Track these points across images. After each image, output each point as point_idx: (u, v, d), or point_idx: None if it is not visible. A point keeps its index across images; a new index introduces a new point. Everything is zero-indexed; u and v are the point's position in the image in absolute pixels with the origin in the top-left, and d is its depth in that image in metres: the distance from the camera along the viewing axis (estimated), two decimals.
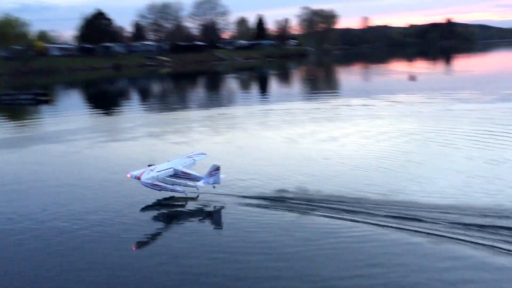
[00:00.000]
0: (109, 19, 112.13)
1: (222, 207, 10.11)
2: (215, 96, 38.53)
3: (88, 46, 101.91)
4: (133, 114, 27.61)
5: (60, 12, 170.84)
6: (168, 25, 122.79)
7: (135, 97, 42.13)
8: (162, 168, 10.43)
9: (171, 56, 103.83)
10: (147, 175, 10.12)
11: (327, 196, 10.14)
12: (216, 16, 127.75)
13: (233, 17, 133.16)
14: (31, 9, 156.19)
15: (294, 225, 8.94)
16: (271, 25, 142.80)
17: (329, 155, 14.10)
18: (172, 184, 10.36)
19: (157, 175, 10.16)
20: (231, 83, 52.04)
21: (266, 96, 35.40)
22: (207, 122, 22.48)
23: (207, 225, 9.62)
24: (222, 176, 10.19)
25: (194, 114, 26.64)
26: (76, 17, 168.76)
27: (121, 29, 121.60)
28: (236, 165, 13.25)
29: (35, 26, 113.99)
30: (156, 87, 53.03)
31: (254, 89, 45.12)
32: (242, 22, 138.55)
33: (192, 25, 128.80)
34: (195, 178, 10.21)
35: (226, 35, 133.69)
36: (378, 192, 10.26)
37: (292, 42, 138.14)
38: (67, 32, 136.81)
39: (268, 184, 11.25)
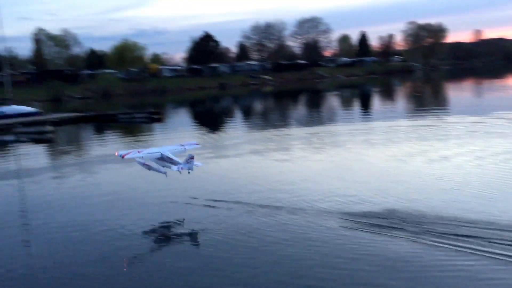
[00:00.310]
0: (216, 41, 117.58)
1: (325, 227, 9.89)
2: (316, 113, 38.40)
3: (196, 67, 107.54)
4: (236, 131, 28.42)
5: (172, 36, 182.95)
6: (271, 44, 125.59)
7: (238, 114, 43.41)
8: (151, 151, 11.99)
9: (273, 74, 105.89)
10: (132, 155, 11.74)
11: (445, 220, 9.49)
12: (318, 34, 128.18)
13: (335, 34, 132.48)
14: (147, 34, 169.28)
15: (404, 257, 8.44)
16: (374, 42, 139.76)
17: (442, 175, 13.27)
18: (158, 165, 11.75)
19: (142, 156, 11.70)
20: (333, 101, 51.60)
21: (369, 114, 34.53)
22: (309, 140, 22.41)
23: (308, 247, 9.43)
24: (196, 163, 11.43)
25: (296, 132, 26.72)
26: (186, 40, 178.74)
27: (226, 50, 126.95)
28: (340, 183, 12.98)
29: (150, 50, 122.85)
30: (258, 105, 54.28)
31: (357, 106, 44.26)
32: (344, 39, 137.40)
33: (294, 44, 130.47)
34: (176, 163, 11.46)
35: (327, 52, 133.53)
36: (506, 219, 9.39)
37: (397, 58, 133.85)
38: (177, 54, 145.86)
39: (374, 205, 10.83)
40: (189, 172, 11.43)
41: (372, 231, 9.32)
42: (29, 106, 36.66)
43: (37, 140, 27.62)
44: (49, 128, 29.08)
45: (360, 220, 9.93)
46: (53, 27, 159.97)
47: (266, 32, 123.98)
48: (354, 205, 11.02)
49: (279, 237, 9.38)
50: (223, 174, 15.56)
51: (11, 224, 11.58)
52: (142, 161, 11.77)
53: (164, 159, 11.58)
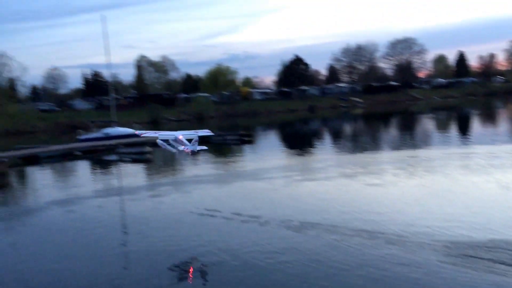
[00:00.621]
0: (306, 64, 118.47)
1: (422, 260, 9.42)
2: (409, 137, 36.94)
3: (286, 90, 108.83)
4: (326, 154, 28.17)
5: (263, 60, 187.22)
6: (362, 66, 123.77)
7: (328, 137, 43.05)
8: (167, 133, 13.57)
9: (364, 97, 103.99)
10: (149, 134, 14.01)
11: None
12: (412, 55, 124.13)
13: (430, 55, 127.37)
14: (239, 58, 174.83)
15: None
16: (473, 61, 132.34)
17: None
18: (169, 145, 13.10)
19: (158, 136, 13.28)
20: (427, 124, 49.38)
21: (468, 137, 32.52)
22: (402, 164, 21.58)
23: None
24: (201, 147, 12.74)
25: (387, 156, 25.89)
26: (276, 64, 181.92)
27: (316, 72, 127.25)
28: (437, 210, 12.32)
29: (241, 74, 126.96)
30: (348, 128, 53.48)
31: (454, 129, 41.93)
32: (440, 59, 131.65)
33: (386, 65, 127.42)
34: (184, 144, 12.81)
35: (422, 73, 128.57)
36: None
37: (499, 78, 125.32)
38: (268, 77, 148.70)
39: (478, 235, 10.13)
40: (192, 153, 12.69)
41: (480, 268, 8.70)
42: (131, 128, 39.29)
43: (137, 160, 29.46)
44: (148, 149, 30.86)
45: (463, 253, 9.32)
46: (154, 54, 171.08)
47: (357, 54, 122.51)
48: (455, 235, 10.39)
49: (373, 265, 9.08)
50: (312, 197, 15.46)
51: (112, 236, 12.41)
52: (160, 141, 13.28)
53: (176, 141, 13.12)
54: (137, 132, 14.96)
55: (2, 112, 75.57)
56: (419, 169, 20.04)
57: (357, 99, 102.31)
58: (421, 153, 25.39)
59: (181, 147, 12.71)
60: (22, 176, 26.53)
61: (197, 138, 12.72)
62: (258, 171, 21.89)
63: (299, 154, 29.58)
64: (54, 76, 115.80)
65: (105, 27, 44.61)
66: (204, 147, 13.01)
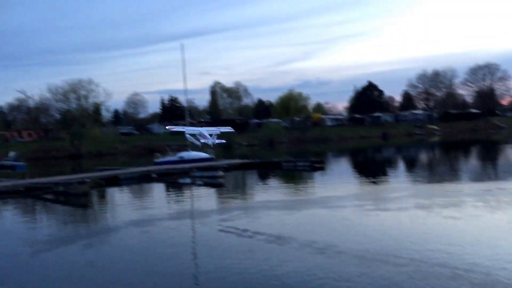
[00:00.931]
0: (379, 90, 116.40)
1: None
2: (492, 167, 34.82)
3: (358, 116, 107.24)
4: (399, 183, 27.22)
5: (335, 86, 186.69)
6: (439, 93, 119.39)
7: (401, 166, 41.65)
8: (193, 128, 13.27)
9: (441, 124, 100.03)
10: (177, 128, 14.16)
11: None
12: (494, 82, 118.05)
13: None
14: (311, 84, 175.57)
15: None
16: None
17: None
18: (195, 138, 13.71)
19: (186, 131, 12.68)
20: None
21: None
22: (484, 197, 20.31)
23: None
24: (221, 141, 13.12)
25: (467, 187, 24.50)
26: (348, 90, 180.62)
27: (390, 99, 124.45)
28: None
29: (313, 100, 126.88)
30: (424, 156, 51.44)
31: None
32: None
33: (466, 92, 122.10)
34: (206, 138, 12.89)
35: (505, 101, 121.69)
36: None
37: None
38: (340, 103, 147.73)
39: None
40: (212, 146, 16.54)
41: None
42: (204, 152, 40.39)
43: (209, 184, 30.10)
44: (220, 173, 31.47)
45: None
46: (228, 80, 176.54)
47: (434, 80, 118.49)
48: None
49: None
50: (385, 229, 14.92)
51: (184, 257, 12.69)
52: (188, 135, 15.85)
53: (200, 135, 15.90)
54: (168, 127, 17.65)
55: (87, 135, 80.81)
56: (503, 203, 18.76)
57: (434, 127, 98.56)
58: (506, 185, 23.80)
59: (203, 140, 15.29)
60: (102, 196, 28.01)
61: (218, 133, 15.39)
62: (329, 198, 21.56)
63: (371, 183, 28.82)
64: (134, 101, 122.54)
65: (183, 55, 46.64)
66: (223, 141, 15.77)
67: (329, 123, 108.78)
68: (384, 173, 34.00)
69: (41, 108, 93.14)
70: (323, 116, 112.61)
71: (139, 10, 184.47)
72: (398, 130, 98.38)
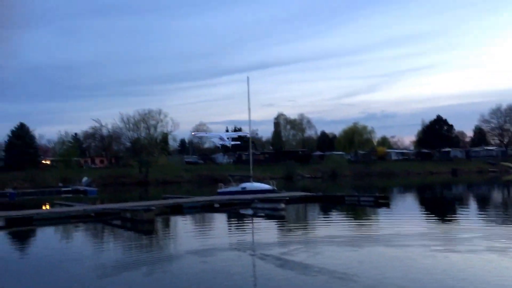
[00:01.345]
0: (449, 125, 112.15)
1: None
2: None
3: (426, 151, 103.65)
4: (470, 223, 25.76)
5: (401, 119, 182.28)
6: None
7: (473, 204, 39.49)
8: (214, 134, 18.64)
9: None
10: (200, 134, 31.94)
11: None
12: None
13: None
14: (376, 117, 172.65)
15: None
16: None
17: None
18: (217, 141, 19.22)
19: (208, 135, 22.18)
20: None
21: None
22: None
23: None
24: (235, 142, 17.91)
25: None
26: (415, 124, 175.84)
27: (460, 134, 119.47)
28: None
29: (378, 133, 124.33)
30: (497, 196, 48.49)
31: None
32: None
33: None
34: (225, 140, 20.53)
35: None
36: None
37: None
38: (406, 137, 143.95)
39: None
40: (229, 146, 20.13)
41: None
42: (266, 184, 40.51)
43: (271, 216, 30.04)
44: (282, 205, 31.35)
45: None
46: (291, 112, 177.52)
47: (509, 115, 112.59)
48: None
49: None
50: (453, 272, 14.11)
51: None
52: (210, 139, 18.88)
53: (220, 138, 18.58)
54: (193, 133, 20.37)
55: (154, 163, 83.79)
56: None
57: (509, 164, 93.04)
58: None
59: (221, 142, 21.13)
60: (167, 224, 28.72)
61: (235, 136, 18.96)
62: (394, 236, 20.77)
63: (440, 221, 27.49)
64: (200, 131, 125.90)
65: (248, 87, 47.62)
66: (238, 142, 20.14)
67: (394, 157, 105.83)
68: (454, 212, 32.37)
69: (113, 136, 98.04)
70: (389, 150, 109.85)
71: (209, 43, 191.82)
72: (469, 166, 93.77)
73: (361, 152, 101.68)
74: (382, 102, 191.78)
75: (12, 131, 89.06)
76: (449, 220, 27.82)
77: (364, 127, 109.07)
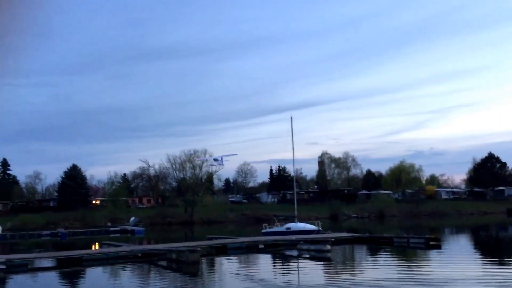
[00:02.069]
0: (502, 162, 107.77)
1: None
2: None
3: (478, 190, 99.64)
4: None
5: (450, 157, 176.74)
6: None
7: None
8: (220, 155, 23.37)
9: None
10: (201, 159, 30.19)
11: None
12: None
13: None
14: (423, 155, 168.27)
15: None
16: None
17: None
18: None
19: (208, 159, 33.23)
20: None
21: None
22: None
23: None
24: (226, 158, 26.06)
25: None
26: (466, 161, 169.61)
27: None
28: None
29: (426, 171, 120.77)
30: None
31: None
32: None
33: None
34: (218, 160, 25.33)
35: None
36: None
37: None
38: (456, 176, 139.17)
39: None
40: (223, 163, 22.48)
41: None
42: (311, 224, 39.96)
43: (316, 257, 29.45)
44: (328, 247, 30.70)
45: None
46: (336, 150, 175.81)
47: None
48: None
49: None
50: None
51: None
52: (209, 163, 21.86)
53: (215, 159, 23.96)
54: (195, 158, 22.56)
55: (199, 203, 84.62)
56: None
57: None
58: None
59: (215, 163, 28.93)
60: (212, 265, 28.71)
61: (227, 155, 25.20)
62: (447, 280, 19.87)
63: (496, 265, 26.06)
64: (244, 171, 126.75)
65: (292, 126, 47.92)
66: (234, 154, 21.45)
67: (444, 196, 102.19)
68: (510, 254, 30.64)
69: (160, 176, 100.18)
70: (438, 189, 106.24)
71: (253, 84, 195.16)
72: None
73: (408, 191, 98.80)
74: (429, 140, 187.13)
75: (65, 172, 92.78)
76: (506, 264, 26.34)
77: (412, 165, 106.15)
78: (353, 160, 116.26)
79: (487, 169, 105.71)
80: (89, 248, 39.56)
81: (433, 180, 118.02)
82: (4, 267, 22.42)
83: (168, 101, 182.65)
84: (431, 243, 33.57)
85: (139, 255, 30.58)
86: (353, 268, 26.02)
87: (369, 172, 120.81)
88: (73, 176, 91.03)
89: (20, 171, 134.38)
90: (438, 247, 33.22)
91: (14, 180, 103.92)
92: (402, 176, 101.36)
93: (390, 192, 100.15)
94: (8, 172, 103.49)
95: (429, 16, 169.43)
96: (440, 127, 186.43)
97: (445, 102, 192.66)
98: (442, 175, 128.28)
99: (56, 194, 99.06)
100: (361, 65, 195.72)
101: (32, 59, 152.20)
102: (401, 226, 59.38)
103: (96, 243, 44.06)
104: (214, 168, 42.99)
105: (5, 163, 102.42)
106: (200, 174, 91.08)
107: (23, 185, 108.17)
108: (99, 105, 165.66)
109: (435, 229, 52.18)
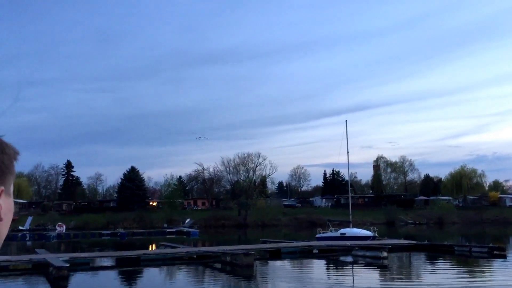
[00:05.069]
0: None
1: None
2: None
3: None
4: None
5: None
6: None
7: None
8: None
9: None
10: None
11: None
12: None
13: None
14: (486, 160, 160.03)
15: None
16: None
17: None
18: None
19: None
20: None
21: None
22: None
23: None
24: None
25: None
26: None
27: None
28: None
29: (490, 176, 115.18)
30: None
31: None
32: None
33: None
34: None
35: None
36: None
37: None
38: None
39: None
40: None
41: None
42: (367, 230, 39.07)
43: (372, 264, 28.74)
44: (384, 254, 29.83)
45: None
46: (392, 154, 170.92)
47: None
48: None
49: None
50: None
51: None
52: None
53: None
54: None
55: (253, 206, 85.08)
56: None
57: None
58: None
59: None
60: (265, 269, 28.69)
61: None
62: None
63: None
64: (298, 174, 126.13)
65: (347, 129, 47.20)
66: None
67: (509, 203, 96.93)
68: None
69: (214, 179, 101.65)
70: (502, 195, 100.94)
71: (307, 87, 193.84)
72: None
73: (470, 197, 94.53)
74: (493, 143, 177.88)
75: (124, 174, 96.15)
76: None
77: (474, 170, 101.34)
78: (411, 164, 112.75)
79: None
80: (146, 248, 40.72)
81: (496, 186, 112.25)
82: (67, 265, 23.44)
83: (223, 105, 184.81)
84: (495, 252, 31.83)
85: (194, 256, 31.11)
86: (411, 276, 25.17)
87: (427, 177, 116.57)
88: (132, 178, 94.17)
89: (83, 173, 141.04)
90: (503, 256, 31.47)
91: (77, 181, 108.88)
92: (463, 182, 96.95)
93: (450, 198, 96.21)
94: (72, 173, 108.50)
95: (489, 15, 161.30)
96: (504, 130, 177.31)
97: (508, 105, 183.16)
98: (506, 180, 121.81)
99: (116, 195, 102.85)
100: (417, 66, 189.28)
101: (93, 65, 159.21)
102: (462, 234, 56.86)
103: (153, 244, 45.27)
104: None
105: (69, 165, 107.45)
106: (254, 177, 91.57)
107: (85, 186, 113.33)
108: (157, 109, 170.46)
109: (499, 238, 49.54)
